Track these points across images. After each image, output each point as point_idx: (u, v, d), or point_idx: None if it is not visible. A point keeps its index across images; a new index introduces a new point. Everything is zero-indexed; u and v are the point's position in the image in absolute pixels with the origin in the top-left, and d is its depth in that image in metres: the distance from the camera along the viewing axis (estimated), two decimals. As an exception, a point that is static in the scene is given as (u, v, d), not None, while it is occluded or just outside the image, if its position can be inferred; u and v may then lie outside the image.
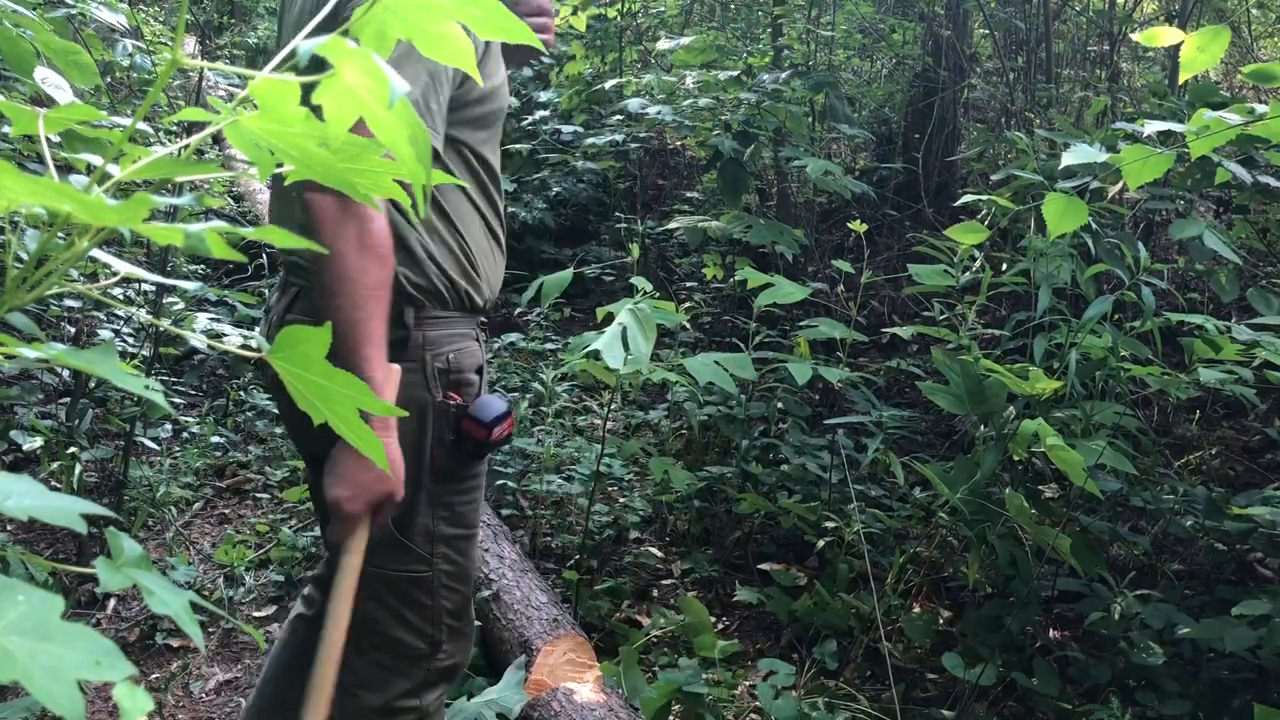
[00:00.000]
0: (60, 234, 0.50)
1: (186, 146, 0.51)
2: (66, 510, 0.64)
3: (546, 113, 6.10)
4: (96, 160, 0.51)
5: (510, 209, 5.78)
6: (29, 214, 0.50)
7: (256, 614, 3.05)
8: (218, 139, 4.24)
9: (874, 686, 2.70)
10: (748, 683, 2.68)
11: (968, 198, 2.97)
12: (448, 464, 1.63)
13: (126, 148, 0.50)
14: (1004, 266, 3.41)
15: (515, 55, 1.89)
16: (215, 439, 3.98)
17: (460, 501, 1.67)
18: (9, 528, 3.16)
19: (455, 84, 1.55)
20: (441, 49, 0.50)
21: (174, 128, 4.00)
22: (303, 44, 0.43)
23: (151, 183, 0.51)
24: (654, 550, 3.38)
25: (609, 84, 5.35)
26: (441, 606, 1.68)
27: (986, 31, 5.67)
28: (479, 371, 1.66)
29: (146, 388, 0.55)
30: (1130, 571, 2.83)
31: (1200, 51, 1.86)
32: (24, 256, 0.54)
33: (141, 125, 1.51)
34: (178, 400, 4.23)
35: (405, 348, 1.55)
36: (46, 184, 0.41)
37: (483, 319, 1.74)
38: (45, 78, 1.52)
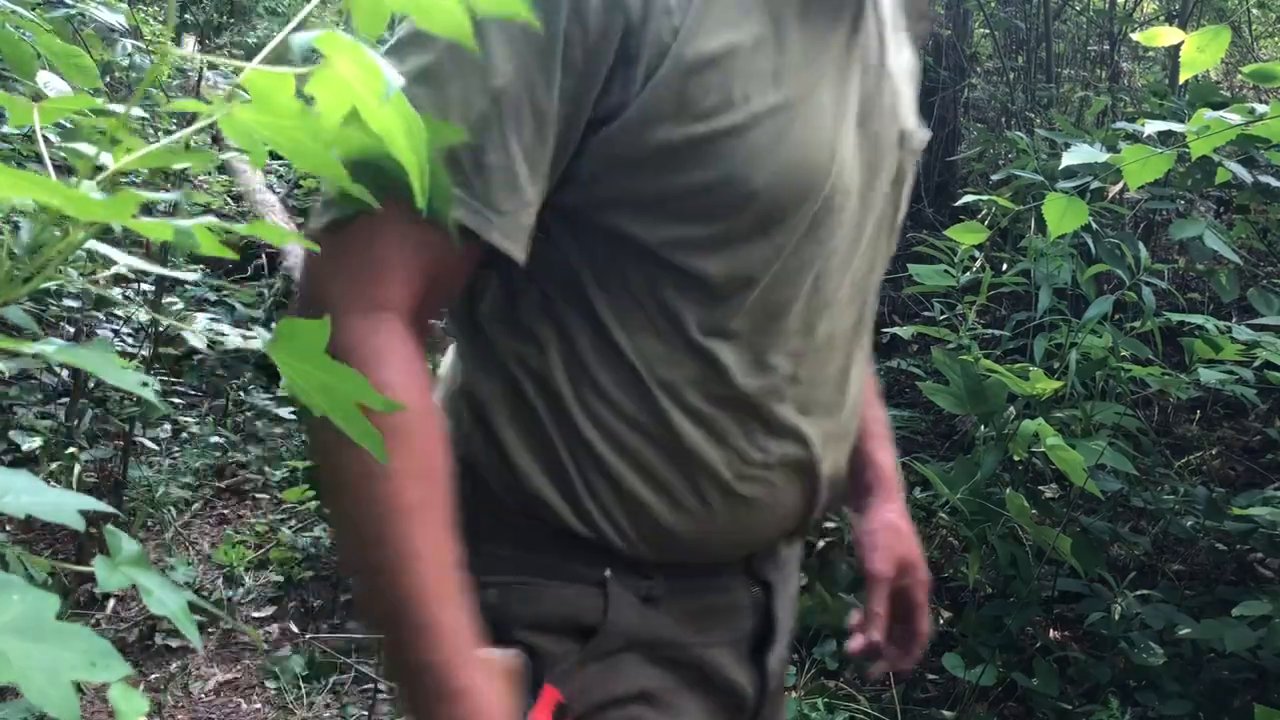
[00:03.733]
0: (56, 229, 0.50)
1: (181, 137, 0.51)
2: (64, 507, 0.64)
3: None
4: (90, 150, 0.51)
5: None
6: (22, 207, 0.50)
7: (255, 614, 3.05)
8: (217, 139, 4.24)
9: (874, 686, 2.69)
10: (747, 683, 2.68)
11: (968, 198, 2.97)
12: None
13: (122, 136, 0.49)
14: (1004, 266, 3.41)
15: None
16: (214, 439, 3.97)
17: None
18: (8, 527, 3.16)
19: (590, 105, 0.81)
20: (436, 22, 0.48)
21: (172, 127, 4.00)
22: (295, 37, 0.43)
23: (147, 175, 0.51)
24: (654, 550, 3.37)
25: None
26: None
27: (986, 31, 5.67)
28: (566, 631, 0.92)
29: (144, 385, 0.55)
30: (1130, 571, 2.82)
31: (1200, 51, 1.86)
32: (18, 252, 0.54)
33: (139, 112, 1.51)
34: (177, 400, 4.22)
35: None
36: (31, 177, 0.41)
37: (645, 573, 0.95)
38: (47, 81, 1.53)
